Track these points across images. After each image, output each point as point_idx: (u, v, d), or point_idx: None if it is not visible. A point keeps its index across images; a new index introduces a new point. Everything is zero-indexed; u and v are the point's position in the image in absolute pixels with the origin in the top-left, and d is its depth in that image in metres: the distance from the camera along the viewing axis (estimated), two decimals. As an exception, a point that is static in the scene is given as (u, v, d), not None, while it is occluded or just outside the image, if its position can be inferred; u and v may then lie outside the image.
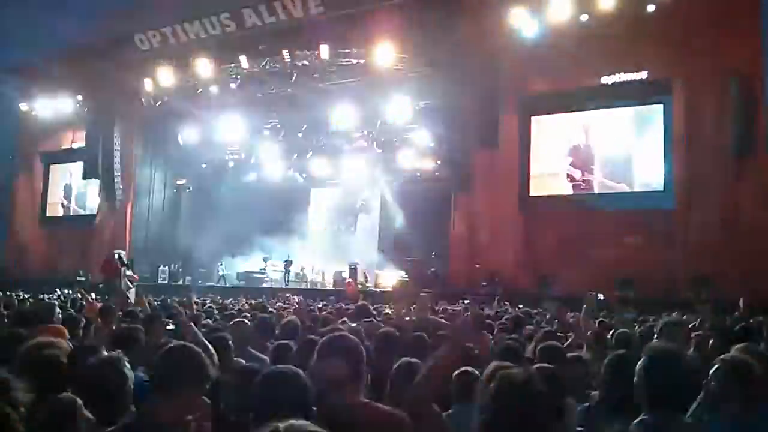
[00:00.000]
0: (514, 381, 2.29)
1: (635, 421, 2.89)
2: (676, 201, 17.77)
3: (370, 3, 20.72)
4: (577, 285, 14.46)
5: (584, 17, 18.16)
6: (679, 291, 15.75)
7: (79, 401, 2.71)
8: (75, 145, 29.55)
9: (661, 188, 18.51)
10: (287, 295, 17.32)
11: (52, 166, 31.70)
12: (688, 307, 10.89)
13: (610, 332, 5.28)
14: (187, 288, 22.07)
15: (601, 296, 5.45)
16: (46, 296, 14.67)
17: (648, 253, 17.22)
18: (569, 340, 4.94)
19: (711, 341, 4.96)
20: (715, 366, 3.19)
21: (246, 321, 6.89)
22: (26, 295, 14.47)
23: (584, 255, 17.68)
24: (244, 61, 22.85)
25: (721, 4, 17.03)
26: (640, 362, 3.01)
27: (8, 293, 14.81)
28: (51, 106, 28.27)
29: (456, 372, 3.62)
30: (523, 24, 18.79)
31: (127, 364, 3.18)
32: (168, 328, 6.03)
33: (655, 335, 5.32)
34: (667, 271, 16.70)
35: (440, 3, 19.79)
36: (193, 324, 4.85)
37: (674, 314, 7.98)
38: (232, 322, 6.88)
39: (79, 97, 27.69)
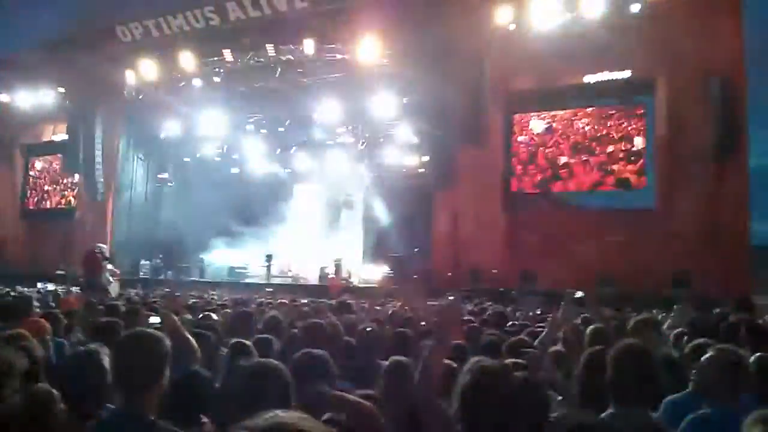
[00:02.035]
0: (490, 371, 2.31)
1: (602, 415, 2.94)
2: (658, 200, 17.93)
3: (354, -1, 20.73)
4: (558, 282, 14.54)
5: (569, 16, 18.25)
6: (660, 289, 15.88)
7: (56, 393, 2.70)
8: (56, 138, 29.28)
9: (643, 187, 18.67)
10: (268, 290, 17.25)
11: (32, 159, 31.41)
12: (669, 304, 11.00)
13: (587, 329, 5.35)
14: (169, 282, 21.97)
15: (580, 293, 5.50)
16: (25, 290, 14.55)
17: (629, 251, 17.36)
18: (542, 335, 5.00)
19: (688, 338, 5.03)
20: (706, 357, 3.26)
21: (213, 315, 6.89)
22: (6, 289, 14.35)
23: (566, 252, 17.79)
24: (227, 54, 22.75)
25: (704, 5, 17.18)
26: (608, 358, 3.07)
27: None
28: (32, 97, 27.95)
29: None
30: (508, 22, 18.86)
31: (106, 358, 3.17)
32: (151, 321, 6.00)
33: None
34: (649, 269, 16.84)
35: (426, -1, 19.86)
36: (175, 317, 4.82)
37: (649, 312, 8.04)
38: (200, 316, 6.88)
39: (61, 89, 27.42)
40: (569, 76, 19.50)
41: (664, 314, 8.88)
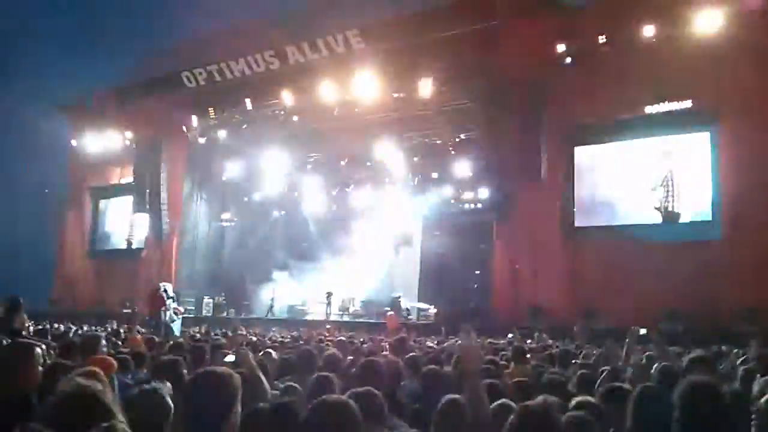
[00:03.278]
0: (531, 411, 2.29)
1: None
2: (724, 231, 17.38)
3: (410, 37, 20.91)
4: (622, 318, 14.18)
5: (628, 47, 18.04)
6: (728, 323, 15.33)
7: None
8: (123, 180, 30.27)
9: (709, 218, 18.14)
10: (327, 326, 17.33)
11: (100, 201, 32.50)
12: (739, 340, 10.59)
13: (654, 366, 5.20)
14: (231, 320, 22.26)
15: (643, 330, 5.35)
16: (93, 328, 14.95)
17: (696, 285, 16.79)
18: (604, 374, 4.87)
19: (756, 375, 4.84)
20: (765, 397, 3.12)
21: (273, 353, 6.91)
22: (75, 327, 14.76)
23: (630, 287, 17.33)
24: (287, 96, 23.22)
25: (766, 30, 16.73)
26: (676, 395, 2.96)
27: (57, 325, 15.13)
28: (100, 142, 29.03)
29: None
30: (566, 56, 18.79)
31: (168, 396, 3.22)
32: (227, 359, 6.06)
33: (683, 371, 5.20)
34: (715, 303, 16.28)
35: (481, 36, 19.89)
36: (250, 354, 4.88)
37: (718, 348, 7.75)
38: (262, 353, 6.91)
39: (128, 133, 28.41)
40: (630, 108, 19.23)
41: (736, 350, 8.54)
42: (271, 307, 26.88)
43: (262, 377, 4.19)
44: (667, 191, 19.01)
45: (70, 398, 2.49)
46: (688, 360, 5.06)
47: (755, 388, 3.46)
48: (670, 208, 18.87)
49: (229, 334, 11.30)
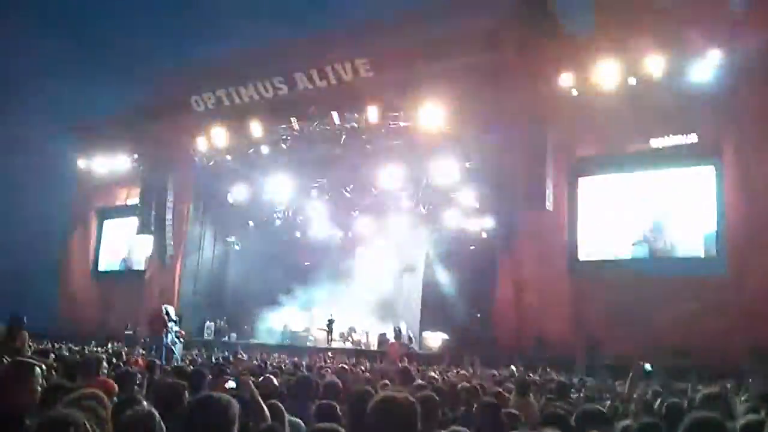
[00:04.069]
0: None
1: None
2: (730, 267, 17.29)
3: (418, 67, 21.05)
4: (627, 352, 14.06)
5: (632, 81, 18.09)
6: (735, 360, 15.16)
7: None
8: (129, 202, 30.35)
9: (714, 254, 18.06)
10: (329, 354, 17.24)
11: (106, 222, 32.56)
12: (744, 376, 10.48)
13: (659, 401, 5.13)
14: (234, 345, 22.14)
15: (648, 366, 5.30)
16: (96, 349, 14.90)
17: (702, 321, 16.64)
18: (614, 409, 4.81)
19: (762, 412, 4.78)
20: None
21: (273, 378, 6.85)
22: (77, 348, 14.70)
23: (635, 322, 17.19)
24: (294, 122, 23.40)
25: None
26: (681, 430, 2.93)
27: (58, 345, 15.07)
28: (107, 163, 29.15)
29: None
30: (571, 87, 18.86)
31: (159, 419, 3.19)
32: (228, 385, 6.00)
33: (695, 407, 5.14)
34: (722, 340, 16.12)
35: (488, 67, 20.00)
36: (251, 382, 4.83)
37: (723, 384, 7.67)
38: (261, 378, 6.85)
39: (135, 156, 28.54)
40: (634, 141, 19.28)
41: (745, 387, 8.44)
42: (265, 332, 26.77)
43: (263, 405, 4.15)
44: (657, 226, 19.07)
45: (50, 426, 2.47)
46: (701, 397, 5.01)
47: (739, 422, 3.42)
48: (658, 244, 18.90)
49: (231, 359, 11.26)
